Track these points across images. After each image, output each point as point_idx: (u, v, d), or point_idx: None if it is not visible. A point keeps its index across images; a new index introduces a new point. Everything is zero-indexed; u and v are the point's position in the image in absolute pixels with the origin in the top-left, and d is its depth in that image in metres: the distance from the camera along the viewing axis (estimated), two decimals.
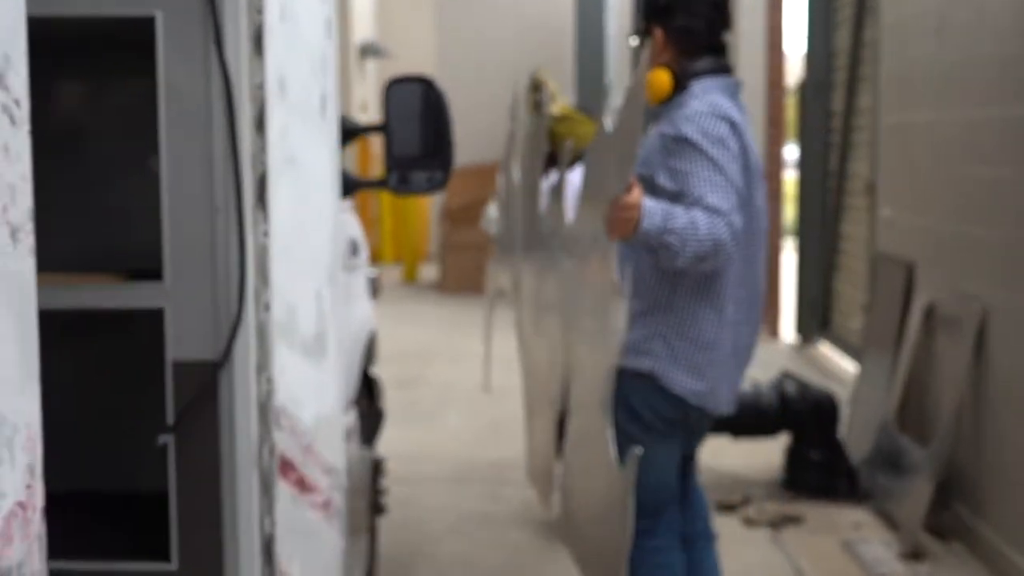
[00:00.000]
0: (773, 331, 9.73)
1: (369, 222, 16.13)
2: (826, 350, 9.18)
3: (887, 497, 4.93)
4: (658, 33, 3.02)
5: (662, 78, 2.97)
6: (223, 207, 1.77)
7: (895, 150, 5.76)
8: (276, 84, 1.85)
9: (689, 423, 3.08)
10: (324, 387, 2.19)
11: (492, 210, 4.55)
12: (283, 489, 1.87)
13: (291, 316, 1.93)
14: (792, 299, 9.75)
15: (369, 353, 4.23)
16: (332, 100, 2.31)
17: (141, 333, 1.90)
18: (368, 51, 16.11)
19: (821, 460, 5.30)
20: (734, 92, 3.06)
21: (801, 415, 5.34)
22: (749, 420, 5.39)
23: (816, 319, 9.28)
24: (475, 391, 6.67)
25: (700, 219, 2.74)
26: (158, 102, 1.77)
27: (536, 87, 3.63)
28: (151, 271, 1.87)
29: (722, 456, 5.68)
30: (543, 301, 3.37)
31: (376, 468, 4.29)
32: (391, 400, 7.41)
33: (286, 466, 1.89)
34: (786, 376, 5.65)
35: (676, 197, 2.82)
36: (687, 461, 3.32)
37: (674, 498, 3.15)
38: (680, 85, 2.99)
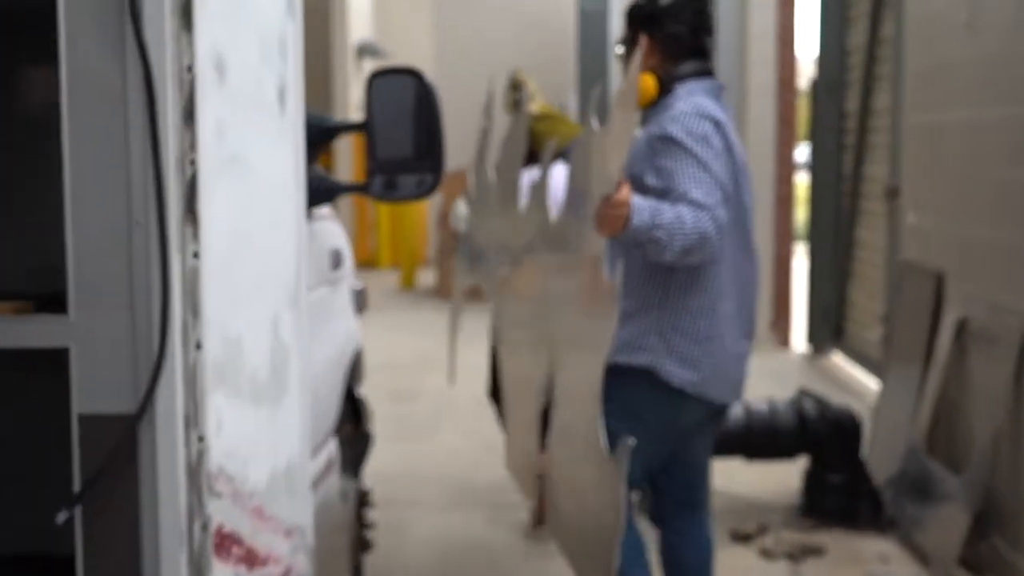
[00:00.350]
0: (784, 340, 9.36)
1: (366, 227, 15.81)
2: (839, 361, 8.81)
3: (915, 526, 4.57)
4: (644, 40, 3.10)
5: (648, 82, 3.10)
6: (143, 220, 1.42)
7: (921, 152, 5.39)
8: (212, 67, 1.48)
9: (690, 419, 3.12)
10: (283, 434, 1.83)
11: (461, 207, 4.48)
12: (222, 571, 1.51)
13: (233, 354, 1.56)
14: (804, 307, 9.37)
15: (354, 373, 3.88)
16: (295, 91, 1.93)
17: (48, 376, 1.55)
18: (365, 51, 15.78)
19: (842, 484, 4.93)
20: (718, 94, 3.15)
21: (821, 436, 4.98)
22: (764, 441, 5.03)
23: (829, 328, 8.91)
24: (474, 404, 6.32)
25: (686, 214, 2.82)
26: (60, 90, 1.41)
27: (516, 87, 3.59)
28: (60, 300, 1.50)
29: (735, 479, 5.32)
30: (523, 296, 3.30)
31: (362, 500, 3.93)
32: (383, 414, 7.04)
33: (227, 541, 1.53)
34: (804, 393, 5.28)
35: (663, 194, 2.90)
36: (696, 477, 3.33)
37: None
38: (665, 89, 3.11)
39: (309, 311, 3.09)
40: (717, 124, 3.01)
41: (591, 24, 11.57)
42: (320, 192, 3.03)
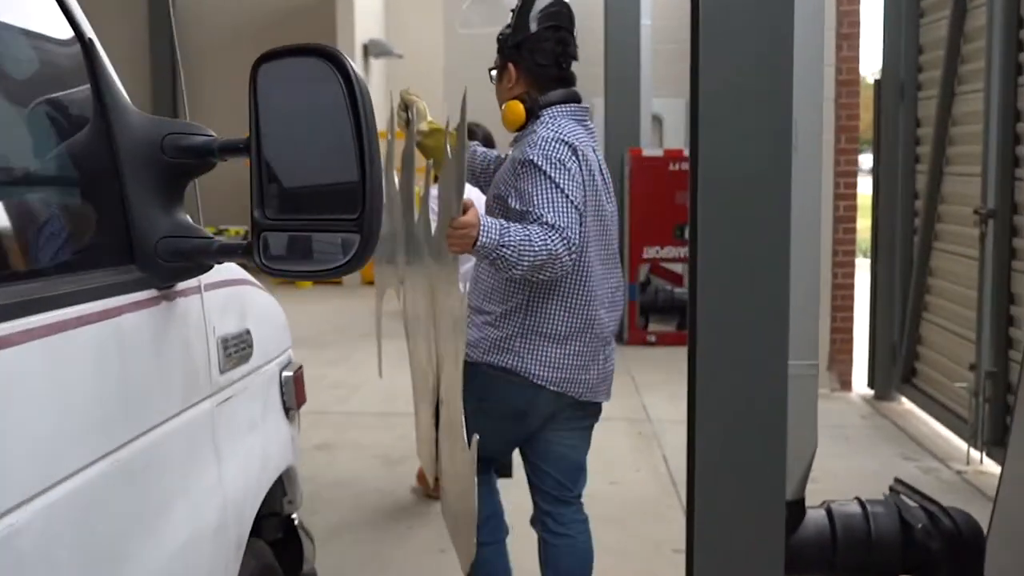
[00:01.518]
0: (845, 382, 8.07)
1: None
2: (909, 407, 7.56)
3: None
4: (512, 68, 3.39)
5: (516, 109, 3.36)
6: None
7: None
8: None
9: (547, 411, 3.36)
10: None
11: None
12: None
13: None
14: (866, 342, 8.11)
15: (286, 496, 2.69)
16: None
17: None
18: (374, 50, 14.66)
19: None
20: (583, 118, 3.39)
21: (931, 552, 3.74)
22: (855, 556, 3.79)
23: (897, 370, 7.65)
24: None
25: (536, 233, 3.06)
26: None
27: (405, 107, 3.63)
28: None
29: None
30: (418, 301, 3.45)
31: None
32: (372, 486, 5.84)
33: None
34: (901, 487, 4.05)
35: (523, 215, 3.13)
36: (567, 475, 3.51)
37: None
38: (533, 114, 3.35)
39: (164, 456, 1.89)
40: (574, 149, 3.22)
41: (623, 19, 10.39)
42: (180, 258, 1.81)
